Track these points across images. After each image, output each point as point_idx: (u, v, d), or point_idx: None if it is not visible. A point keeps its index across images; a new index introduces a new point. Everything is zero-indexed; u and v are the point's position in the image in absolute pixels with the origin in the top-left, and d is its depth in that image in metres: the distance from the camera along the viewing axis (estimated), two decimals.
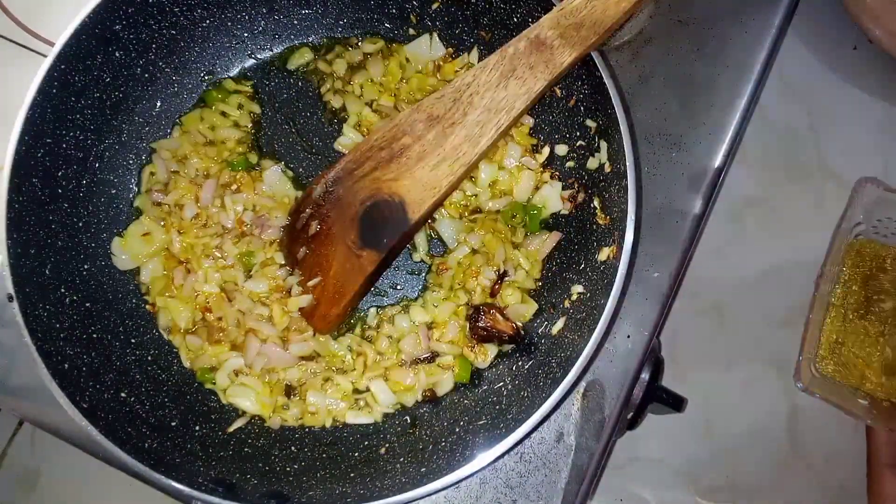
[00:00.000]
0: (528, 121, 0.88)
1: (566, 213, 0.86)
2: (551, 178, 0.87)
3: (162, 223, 0.86)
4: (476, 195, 0.87)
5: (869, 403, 0.90)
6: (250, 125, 0.91)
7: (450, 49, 0.91)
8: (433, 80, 0.90)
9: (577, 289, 0.80)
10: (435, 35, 0.90)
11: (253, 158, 0.89)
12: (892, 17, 0.91)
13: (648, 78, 0.90)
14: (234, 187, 0.88)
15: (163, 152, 0.88)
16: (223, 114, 0.90)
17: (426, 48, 0.90)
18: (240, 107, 0.91)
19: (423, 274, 0.88)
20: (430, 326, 0.85)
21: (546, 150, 0.87)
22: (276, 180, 0.88)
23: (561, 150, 0.87)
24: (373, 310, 0.87)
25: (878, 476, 0.87)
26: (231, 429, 0.81)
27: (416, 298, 0.87)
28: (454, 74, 0.90)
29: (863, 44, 1.02)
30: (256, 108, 0.91)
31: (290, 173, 0.90)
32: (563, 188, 0.86)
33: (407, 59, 0.91)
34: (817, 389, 0.93)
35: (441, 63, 0.91)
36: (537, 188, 0.87)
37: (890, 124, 1.04)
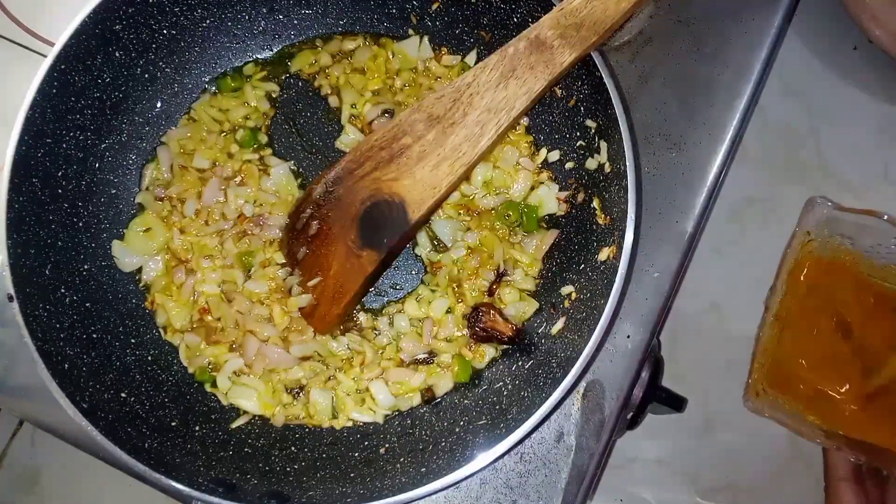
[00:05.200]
0: (525, 120, 0.88)
1: (562, 214, 0.86)
2: (549, 179, 0.87)
3: (164, 220, 0.86)
4: (473, 196, 0.87)
5: (818, 423, 0.89)
6: (266, 107, 0.91)
7: (444, 49, 0.91)
8: (424, 79, 0.91)
9: (577, 289, 0.80)
10: (426, 38, 0.90)
11: (262, 138, 0.89)
12: (892, 17, 0.91)
13: (648, 78, 0.90)
14: (237, 179, 0.88)
15: (172, 144, 0.88)
16: (237, 98, 0.90)
17: (415, 49, 0.90)
18: (266, 96, 0.91)
19: (422, 273, 0.88)
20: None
21: (543, 152, 0.87)
22: (282, 177, 0.88)
23: (554, 156, 0.87)
24: (372, 309, 0.87)
25: (836, 490, 0.86)
26: (234, 425, 0.81)
27: (412, 293, 0.87)
28: (445, 72, 0.90)
29: (863, 44, 1.02)
30: (275, 87, 0.91)
31: (296, 170, 0.90)
32: (561, 189, 0.86)
33: (393, 54, 0.91)
34: (766, 410, 0.91)
35: (428, 64, 0.91)
36: (533, 188, 0.87)
37: (890, 124, 1.04)
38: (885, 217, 0.89)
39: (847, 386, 0.88)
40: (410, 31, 0.91)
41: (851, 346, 0.89)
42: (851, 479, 0.86)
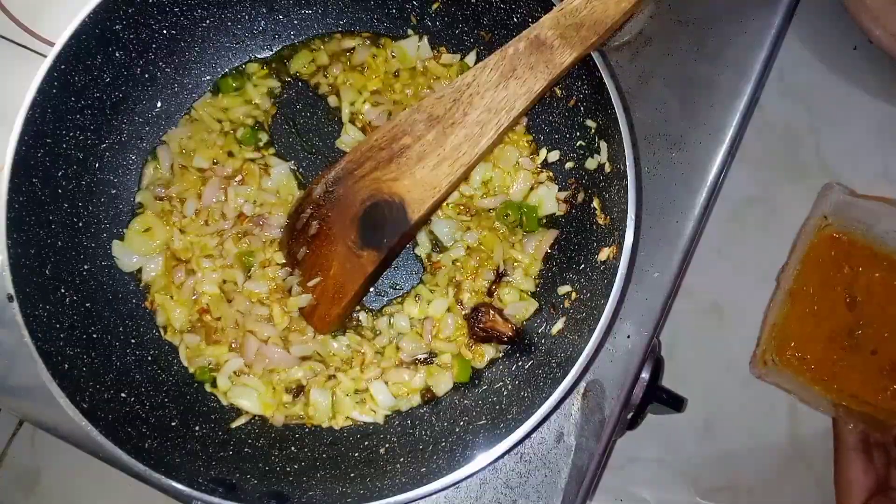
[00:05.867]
0: (525, 120, 0.88)
1: (561, 214, 0.86)
2: (548, 179, 0.87)
3: (164, 220, 0.86)
4: (472, 196, 0.87)
5: (823, 393, 0.93)
6: (268, 104, 0.91)
7: (443, 49, 0.91)
8: (424, 79, 0.91)
9: (577, 289, 0.80)
10: (425, 38, 0.90)
11: (263, 137, 0.89)
12: (892, 17, 0.91)
13: (648, 78, 0.90)
14: (238, 179, 0.88)
15: (172, 144, 0.88)
16: (237, 97, 0.90)
17: (414, 49, 0.90)
18: (268, 93, 0.91)
19: (421, 273, 0.88)
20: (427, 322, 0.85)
21: (543, 152, 0.87)
22: (282, 177, 0.88)
23: (554, 156, 0.87)
24: (372, 309, 0.87)
25: (845, 460, 0.88)
26: (234, 425, 0.81)
27: (410, 291, 0.87)
28: (445, 72, 0.90)
29: (863, 44, 1.02)
30: (276, 84, 0.91)
31: (296, 170, 0.90)
32: (561, 189, 0.86)
33: (393, 54, 0.91)
34: (772, 378, 0.95)
35: (427, 65, 0.91)
36: (533, 188, 0.87)
37: (890, 124, 1.04)
38: None
39: (852, 358, 0.92)
40: (410, 31, 0.91)
41: (858, 321, 0.93)
42: (860, 448, 0.87)
